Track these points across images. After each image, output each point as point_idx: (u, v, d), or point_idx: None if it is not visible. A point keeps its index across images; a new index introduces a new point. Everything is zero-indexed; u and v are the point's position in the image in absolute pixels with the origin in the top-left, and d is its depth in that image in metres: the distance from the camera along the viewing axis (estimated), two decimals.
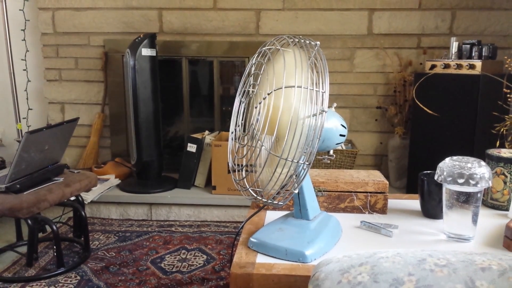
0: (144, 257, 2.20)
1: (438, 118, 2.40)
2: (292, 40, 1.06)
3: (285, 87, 0.99)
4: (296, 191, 1.04)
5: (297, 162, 1.00)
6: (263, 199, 1.08)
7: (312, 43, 1.04)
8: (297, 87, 0.98)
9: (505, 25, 2.78)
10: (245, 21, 2.91)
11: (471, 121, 2.33)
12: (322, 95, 0.99)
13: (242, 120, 1.17)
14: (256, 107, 1.07)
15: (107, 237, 2.44)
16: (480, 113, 2.31)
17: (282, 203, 1.07)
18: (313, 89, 0.99)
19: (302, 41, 1.05)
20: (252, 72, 1.13)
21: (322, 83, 0.99)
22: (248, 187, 1.08)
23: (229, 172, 1.17)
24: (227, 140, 1.24)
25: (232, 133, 1.18)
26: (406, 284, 0.64)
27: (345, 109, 2.95)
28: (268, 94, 1.03)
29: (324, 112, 0.98)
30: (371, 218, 1.32)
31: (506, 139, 1.86)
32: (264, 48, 1.12)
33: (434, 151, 2.46)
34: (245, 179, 1.09)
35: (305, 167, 1.01)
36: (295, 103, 0.98)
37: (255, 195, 1.08)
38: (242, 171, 1.10)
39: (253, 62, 1.14)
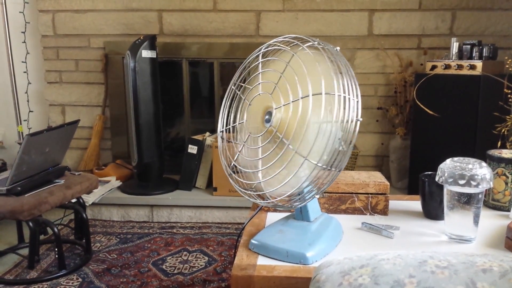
0: (146, 259, 2.20)
1: (439, 118, 2.40)
2: (317, 43, 1.04)
3: (325, 94, 0.97)
4: (318, 196, 1.05)
5: (330, 168, 1.00)
6: (279, 204, 1.08)
7: (331, 48, 1.03)
8: (337, 94, 0.97)
9: (505, 25, 2.78)
10: (245, 23, 2.91)
11: (472, 121, 2.33)
12: (357, 103, 0.99)
13: (244, 119, 1.16)
14: (276, 108, 1.05)
15: (108, 239, 2.44)
16: (481, 113, 2.31)
17: (293, 206, 1.08)
18: (351, 98, 0.98)
19: (321, 45, 1.03)
20: (260, 70, 1.11)
21: (356, 91, 1.00)
22: (265, 190, 1.07)
23: (234, 172, 1.15)
24: (228, 141, 1.22)
25: (227, 132, 1.18)
26: (407, 286, 0.64)
27: None
28: (302, 98, 1.00)
29: (359, 121, 0.99)
30: (372, 219, 1.32)
31: (507, 140, 1.86)
32: (272, 46, 1.12)
33: (435, 152, 2.46)
34: (261, 183, 1.07)
35: (335, 173, 1.01)
36: (335, 110, 0.98)
37: (271, 199, 1.08)
38: (258, 173, 1.08)
39: (260, 60, 1.12)
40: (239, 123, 1.17)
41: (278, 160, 1.02)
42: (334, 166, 1.01)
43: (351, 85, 1.00)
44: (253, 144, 1.12)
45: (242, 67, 1.18)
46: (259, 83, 1.12)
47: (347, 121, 0.99)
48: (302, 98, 1.00)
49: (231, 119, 1.20)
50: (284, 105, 1.04)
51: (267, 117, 1.07)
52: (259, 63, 1.12)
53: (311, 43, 1.04)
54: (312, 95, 0.98)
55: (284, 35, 1.11)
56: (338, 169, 1.01)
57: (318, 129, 0.98)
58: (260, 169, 1.07)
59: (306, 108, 0.99)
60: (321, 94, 0.97)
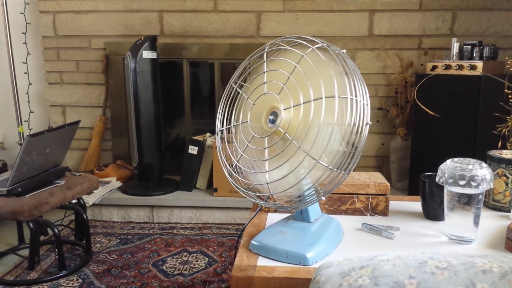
0: (146, 259, 2.20)
1: (439, 119, 2.39)
2: (326, 44, 1.03)
3: (338, 97, 0.98)
4: (324, 198, 1.05)
5: (340, 171, 1.00)
6: (284, 205, 1.08)
7: (339, 50, 1.03)
8: (350, 98, 0.98)
9: (506, 25, 2.78)
10: (246, 23, 2.91)
11: (473, 122, 2.33)
12: (366, 106, 1.00)
13: (248, 119, 1.14)
14: (285, 109, 1.04)
15: (108, 239, 2.44)
16: (481, 114, 2.30)
17: (298, 208, 1.08)
18: (361, 101, 0.99)
19: (330, 48, 1.03)
20: (265, 69, 1.10)
21: (365, 94, 1.00)
22: (270, 191, 1.06)
23: (235, 172, 1.14)
24: (228, 142, 1.21)
25: (227, 131, 1.17)
26: (407, 287, 0.64)
27: None
28: (314, 100, 0.99)
29: (368, 124, 0.99)
30: (373, 220, 1.32)
31: (507, 140, 1.86)
32: (278, 45, 1.11)
33: (436, 152, 2.46)
34: (268, 184, 1.06)
35: (344, 175, 1.01)
36: (347, 113, 0.99)
37: (277, 201, 1.07)
38: (265, 175, 1.06)
39: (264, 59, 1.11)
40: (242, 123, 1.16)
41: (286, 161, 1.02)
42: (343, 168, 1.01)
43: (361, 88, 1.00)
44: (257, 145, 1.11)
45: (243, 66, 1.18)
46: (264, 83, 1.10)
47: (358, 125, 0.99)
48: (314, 100, 0.99)
49: (233, 118, 1.19)
50: (294, 106, 1.03)
51: (271, 117, 1.07)
52: (264, 62, 1.11)
53: (320, 45, 1.04)
54: (325, 97, 0.98)
55: (289, 35, 1.10)
56: (347, 172, 1.01)
57: (331, 132, 0.99)
58: (267, 171, 1.06)
59: (317, 111, 0.99)
60: (333, 97, 0.97)
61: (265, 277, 1.01)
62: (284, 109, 1.04)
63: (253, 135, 1.11)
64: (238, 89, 1.17)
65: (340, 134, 0.99)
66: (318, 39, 1.04)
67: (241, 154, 1.12)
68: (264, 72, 1.11)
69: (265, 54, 1.12)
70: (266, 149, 1.08)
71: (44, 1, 3.00)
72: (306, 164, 1.01)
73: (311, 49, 1.03)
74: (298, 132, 1.02)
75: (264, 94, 1.10)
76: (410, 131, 2.77)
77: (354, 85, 0.99)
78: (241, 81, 1.18)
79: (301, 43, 1.06)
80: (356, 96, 0.99)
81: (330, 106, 0.98)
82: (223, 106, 1.21)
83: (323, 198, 1.05)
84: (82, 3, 2.98)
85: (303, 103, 1.01)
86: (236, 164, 1.13)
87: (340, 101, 0.99)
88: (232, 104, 1.19)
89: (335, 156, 1.00)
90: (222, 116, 1.20)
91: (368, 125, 0.99)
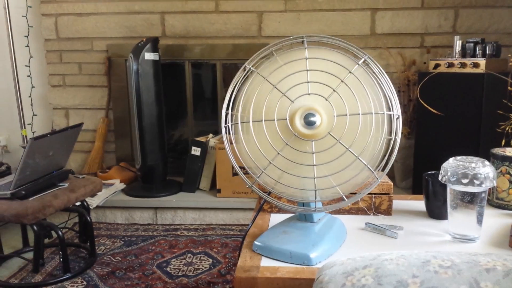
0: (150, 261, 2.20)
1: (442, 117, 2.38)
2: (367, 57, 1.07)
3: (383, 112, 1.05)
4: (349, 204, 1.06)
5: (378, 179, 1.04)
6: (313, 207, 1.09)
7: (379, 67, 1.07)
8: (400, 116, 1.06)
9: (508, 22, 2.76)
10: (248, 24, 2.91)
11: (476, 120, 2.32)
12: (397, 121, 1.06)
13: (287, 118, 1.05)
14: (338, 116, 1.04)
15: (112, 242, 2.45)
16: (485, 112, 2.30)
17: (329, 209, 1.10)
18: (400, 115, 1.06)
19: (372, 61, 1.06)
20: (307, 67, 1.05)
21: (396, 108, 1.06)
22: (317, 198, 1.05)
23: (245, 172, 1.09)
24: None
25: (231, 128, 1.15)
26: (411, 286, 0.64)
27: None
28: (375, 114, 1.05)
29: (398, 138, 1.05)
30: (376, 219, 1.32)
31: (511, 138, 1.85)
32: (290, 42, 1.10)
33: (439, 151, 2.44)
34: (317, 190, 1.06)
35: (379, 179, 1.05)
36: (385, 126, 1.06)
37: (310, 206, 1.09)
38: (315, 180, 1.03)
39: (306, 56, 1.07)
40: (277, 120, 1.04)
41: (344, 168, 1.03)
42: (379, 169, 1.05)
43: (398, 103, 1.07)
44: (296, 146, 1.05)
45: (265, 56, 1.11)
46: (307, 82, 1.04)
47: (396, 137, 1.05)
48: (375, 114, 1.04)
49: (248, 112, 1.08)
50: (351, 115, 1.02)
51: (311, 119, 1.02)
52: (306, 59, 1.06)
53: (367, 57, 1.09)
54: (386, 113, 1.05)
55: (323, 35, 1.10)
56: (381, 176, 1.06)
57: (384, 143, 1.04)
58: (316, 177, 1.04)
59: (375, 122, 1.04)
60: (392, 114, 1.06)
61: (269, 277, 1.00)
62: (336, 116, 1.03)
63: (294, 135, 1.03)
64: (275, 87, 1.05)
65: (380, 144, 1.04)
66: (363, 52, 1.07)
67: (278, 154, 1.04)
68: (306, 71, 1.05)
69: (306, 51, 1.07)
70: (314, 154, 1.03)
71: (46, 4, 3.00)
72: (354, 169, 1.03)
73: (363, 59, 1.07)
74: (353, 140, 1.02)
75: (308, 94, 1.04)
76: (413, 130, 2.77)
77: (392, 101, 1.06)
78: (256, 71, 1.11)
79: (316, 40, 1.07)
80: (398, 112, 1.06)
81: (374, 120, 1.04)
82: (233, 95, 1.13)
83: (349, 204, 1.06)
84: (84, 6, 2.99)
85: (362, 114, 1.03)
86: (270, 163, 1.05)
87: (382, 115, 1.05)
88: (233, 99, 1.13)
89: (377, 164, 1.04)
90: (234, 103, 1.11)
91: (399, 138, 1.06)
